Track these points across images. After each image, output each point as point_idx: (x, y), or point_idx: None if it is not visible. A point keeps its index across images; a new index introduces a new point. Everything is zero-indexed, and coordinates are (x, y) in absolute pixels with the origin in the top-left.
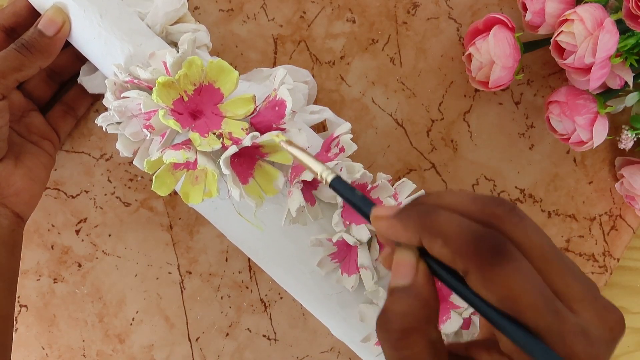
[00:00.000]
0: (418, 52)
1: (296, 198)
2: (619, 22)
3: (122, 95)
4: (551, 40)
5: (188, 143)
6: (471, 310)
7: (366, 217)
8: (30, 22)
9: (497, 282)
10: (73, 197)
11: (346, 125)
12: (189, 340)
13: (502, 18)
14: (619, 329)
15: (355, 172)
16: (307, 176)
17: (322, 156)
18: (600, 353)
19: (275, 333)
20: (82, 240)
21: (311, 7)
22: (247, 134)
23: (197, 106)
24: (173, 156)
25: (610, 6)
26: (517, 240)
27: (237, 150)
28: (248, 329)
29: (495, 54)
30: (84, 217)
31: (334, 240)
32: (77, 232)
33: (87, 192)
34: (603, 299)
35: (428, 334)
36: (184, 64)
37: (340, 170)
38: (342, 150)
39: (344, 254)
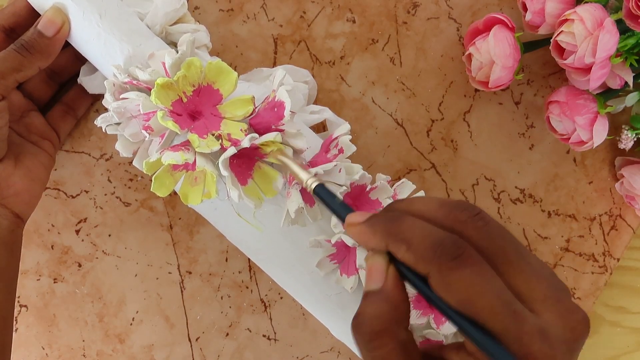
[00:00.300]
0: (418, 52)
1: (295, 199)
2: (619, 22)
3: (121, 97)
4: (551, 40)
5: (187, 144)
6: None
7: (343, 223)
8: (29, 22)
9: (455, 286)
10: (73, 197)
11: (345, 126)
12: (189, 340)
13: (502, 18)
14: (580, 329)
15: (354, 174)
16: None
17: (321, 157)
18: (558, 352)
19: (275, 333)
20: (82, 240)
21: (311, 7)
22: (246, 135)
23: (196, 107)
24: (172, 157)
25: (610, 6)
26: (479, 244)
27: (236, 151)
28: (248, 329)
29: (495, 54)
30: (84, 217)
31: (333, 241)
32: (77, 232)
33: (87, 192)
34: (567, 301)
35: (398, 335)
36: (182, 65)
37: (340, 171)
38: (341, 151)
39: (342, 255)
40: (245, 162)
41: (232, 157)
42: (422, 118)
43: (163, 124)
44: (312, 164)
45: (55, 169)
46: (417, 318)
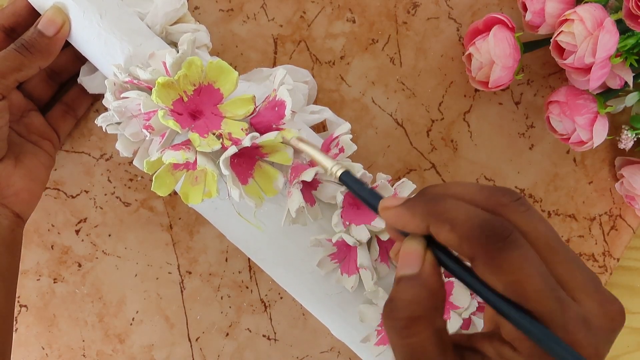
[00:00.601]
0: (418, 52)
1: (296, 198)
2: (619, 22)
3: (121, 96)
4: (551, 40)
5: (188, 143)
6: (471, 310)
7: (374, 209)
8: (30, 22)
9: (504, 268)
10: (73, 197)
11: (346, 126)
12: (189, 340)
13: (502, 18)
14: (619, 320)
15: (354, 173)
16: (307, 176)
17: None
18: (600, 341)
19: (275, 333)
20: (82, 240)
21: (311, 7)
22: (247, 134)
23: (196, 106)
24: (172, 157)
25: (610, 6)
26: (522, 228)
27: (237, 150)
28: (248, 329)
29: (495, 54)
30: (84, 217)
31: (334, 240)
32: (77, 232)
33: (87, 192)
34: (605, 290)
35: (434, 323)
36: (183, 64)
37: None
38: (341, 150)
39: (343, 254)
40: (246, 162)
41: (233, 157)
42: (422, 118)
43: (164, 123)
44: (313, 163)
45: (55, 169)
46: None
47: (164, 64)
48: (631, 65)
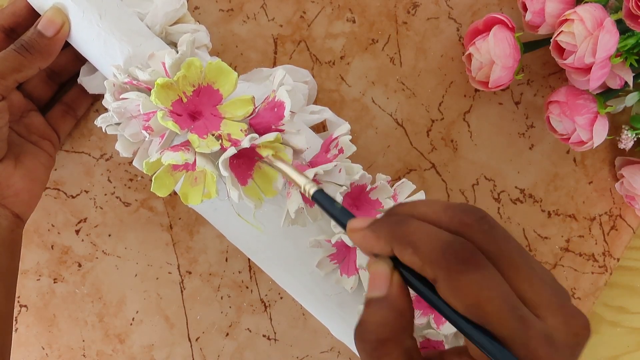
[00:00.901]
0: (418, 52)
1: (295, 199)
2: (619, 22)
3: (121, 97)
4: (551, 40)
5: (187, 144)
6: None
7: (344, 228)
8: (29, 22)
9: (464, 290)
10: (73, 197)
11: (345, 126)
12: (189, 340)
13: (502, 18)
14: (584, 334)
15: (354, 174)
16: None
17: (321, 157)
18: (563, 358)
19: (275, 333)
20: (82, 240)
21: (311, 7)
22: (246, 135)
23: (196, 107)
24: (172, 157)
25: (610, 6)
26: (485, 248)
27: (236, 151)
28: (248, 329)
29: (495, 54)
30: (84, 217)
31: (333, 241)
32: (77, 232)
33: (87, 192)
34: (570, 305)
35: (403, 344)
36: (182, 65)
37: (340, 171)
38: (341, 151)
39: (343, 255)
40: (245, 162)
41: (232, 157)
42: (422, 118)
43: (163, 124)
44: (312, 164)
45: (55, 169)
46: (417, 318)
47: (163, 64)
48: (631, 65)
